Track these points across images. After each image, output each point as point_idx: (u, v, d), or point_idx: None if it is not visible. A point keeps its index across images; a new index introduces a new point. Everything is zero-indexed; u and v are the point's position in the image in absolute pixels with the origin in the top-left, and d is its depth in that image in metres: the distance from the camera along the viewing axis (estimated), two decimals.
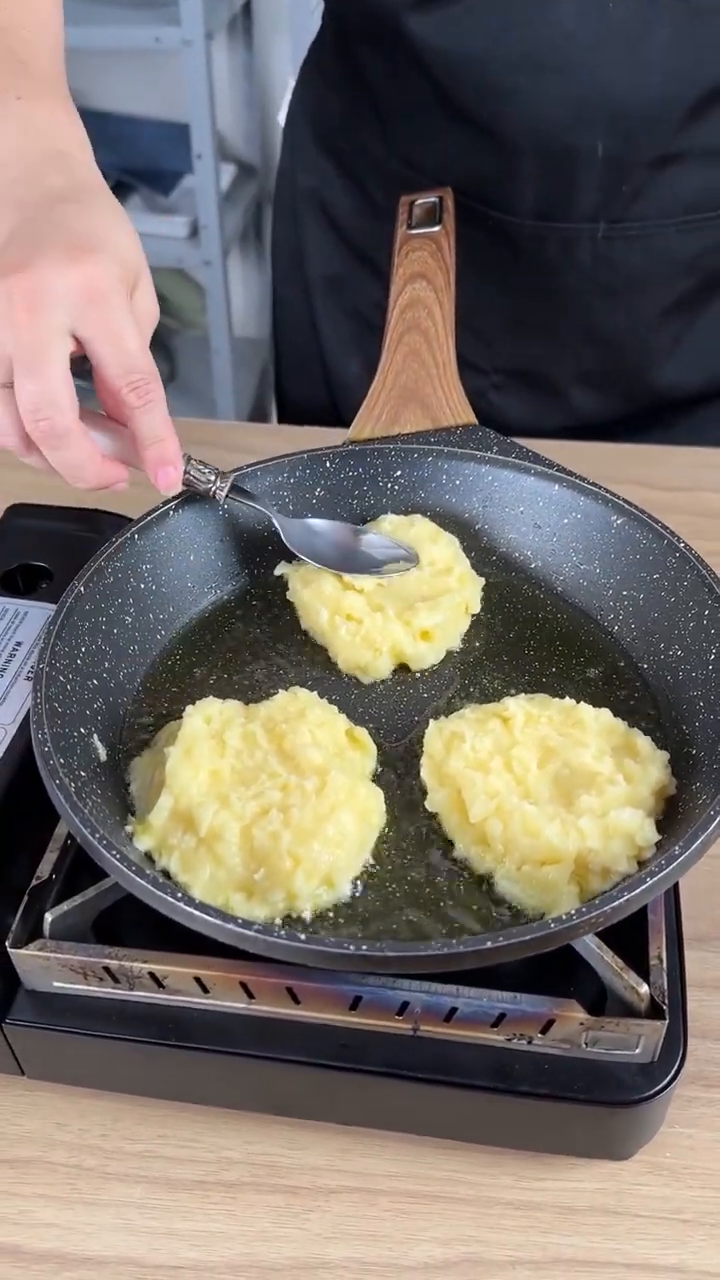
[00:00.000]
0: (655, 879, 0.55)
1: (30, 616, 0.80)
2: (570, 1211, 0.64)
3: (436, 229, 0.94)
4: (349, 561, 0.76)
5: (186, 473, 0.72)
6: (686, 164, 0.99)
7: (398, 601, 0.74)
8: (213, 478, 0.74)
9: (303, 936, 0.53)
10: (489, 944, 0.52)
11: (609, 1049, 0.60)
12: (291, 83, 1.27)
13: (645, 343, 1.12)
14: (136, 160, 2.43)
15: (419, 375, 0.85)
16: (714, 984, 0.74)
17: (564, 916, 0.53)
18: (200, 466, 0.74)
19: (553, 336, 1.13)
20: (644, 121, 0.96)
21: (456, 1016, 0.60)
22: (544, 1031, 0.60)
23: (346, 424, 1.28)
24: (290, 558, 0.79)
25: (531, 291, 1.09)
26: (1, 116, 0.71)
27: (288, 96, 1.27)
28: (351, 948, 0.53)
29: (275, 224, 1.31)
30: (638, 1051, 0.60)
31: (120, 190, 2.46)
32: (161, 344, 2.91)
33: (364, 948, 0.53)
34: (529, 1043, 0.61)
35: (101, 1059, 0.65)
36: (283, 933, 0.53)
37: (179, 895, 0.54)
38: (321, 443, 1.18)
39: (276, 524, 0.76)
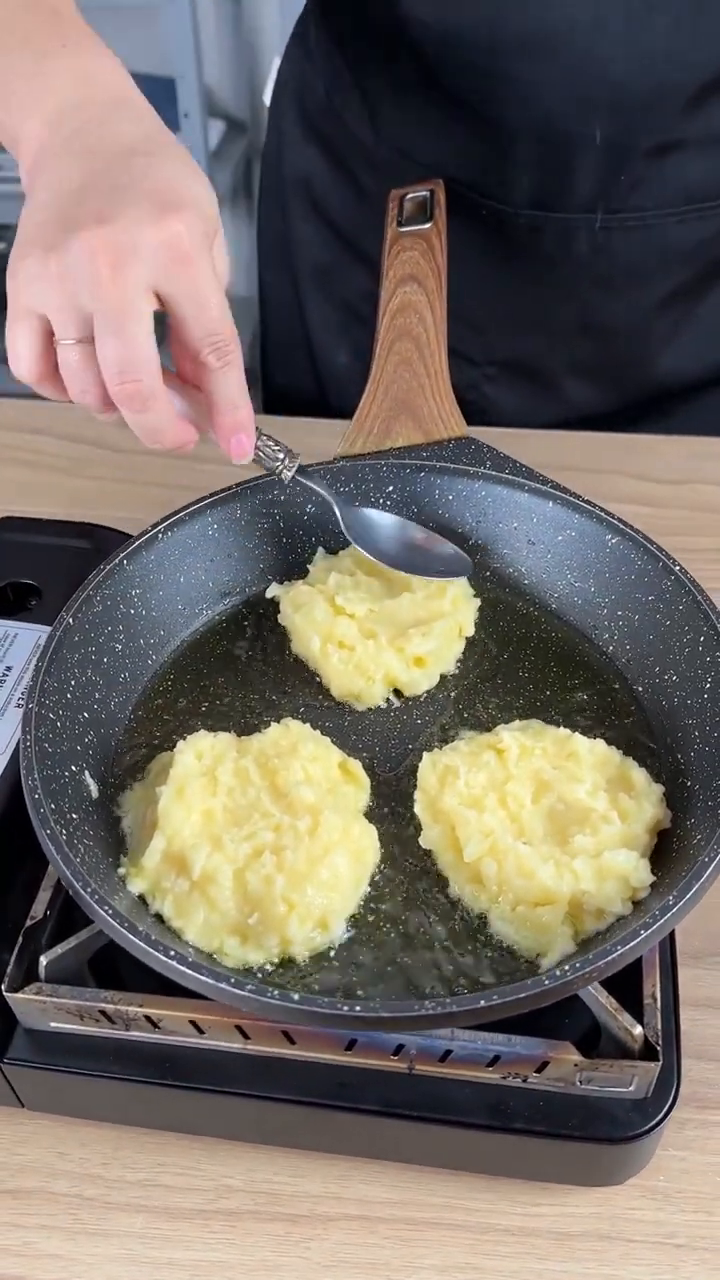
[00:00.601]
0: (650, 930, 0.55)
1: (20, 639, 0.79)
2: (565, 1237, 0.65)
3: (428, 226, 0.91)
4: (405, 559, 0.75)
5: (256, 447, 0.70)
6: (688, 152, 0.96)
7: (390, 627, 0.73)
8: (281, 456, 0.72)
9: (296, 997, 0.53)
10: (481, 1003, 0.52)
11: (603, 1086, 0.60)
12: (282, 37, 1.23)
13: (643, 333, 1.10)
14: None
15: (411, 386, 0.83)
16: (707, 1003, 0.74)
17: (558, 973, 0.53)
18: (270, 443, 0.72)
19: (548, 328, 1.10)
20: (644, 108, 0.93)
21: (451, 1058, 0.60)
22: (538, 1071, 0.60)
23: (334, 413, 1.27)
24: (282, 579, 0.78)
25: (526, 282, 1.07)
26: (54, 65, 0.67)
27: (279, 57, 1.23)
28: (345, 1009, 0.53)
29: (261, 209, 1.28)
30: (631, 1089, 0.60)
31: None
32: None
33: (358, 1009, 0.53)
34: (524, 1081, 0.61)
35: (100, 1095, 0.66)
36: (275, 994, 0.53)
37: (172, 953, 0.54)
38: (312, 433, 1.17)
39: (337, 512, 0.75)
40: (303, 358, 1.27)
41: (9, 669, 0.77)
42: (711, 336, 1.12)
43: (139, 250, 0.59)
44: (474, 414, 1.18)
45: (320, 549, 0.81)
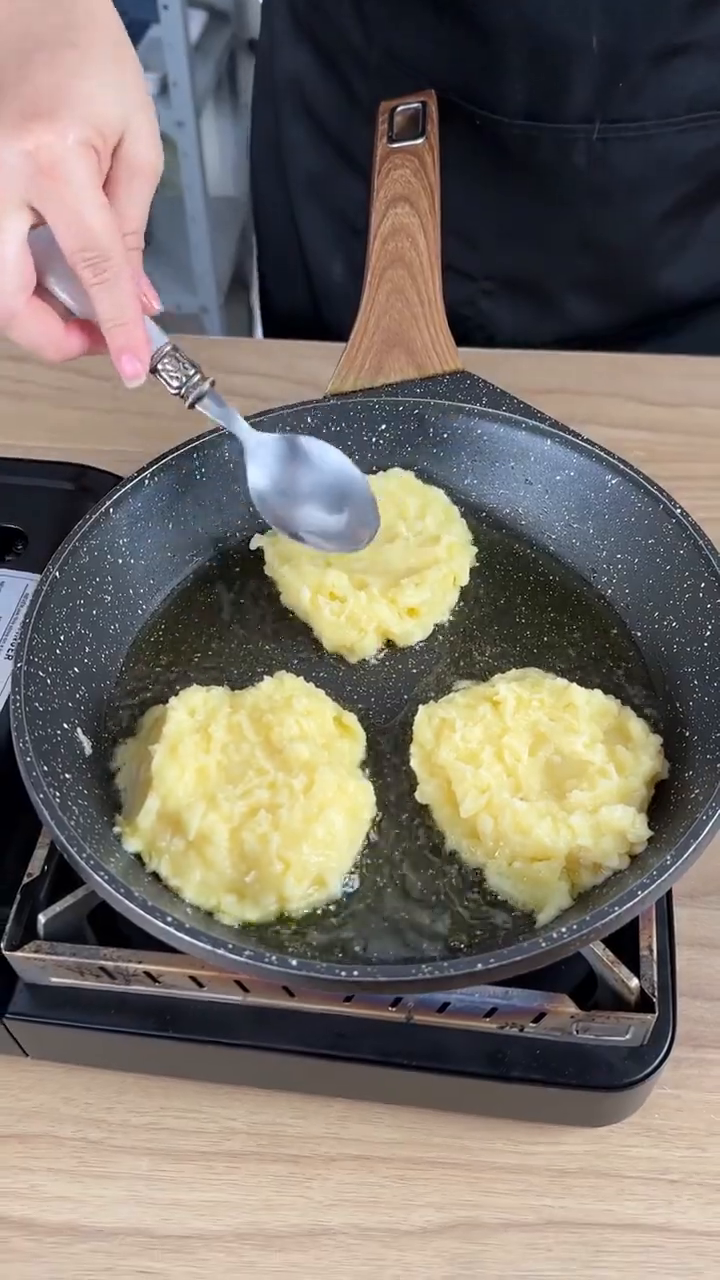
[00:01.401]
0: (647, 891, 0.55)
1: (7, 587, 0.78)
2: (561, 1174, 0.67)
3: (419, 142, 0.87)
4: (297, 521, 0.71)
5: (157, 370, 0.65)
6: (691, 58, 0.91)
7: (382, 576, 0.72)
8: (186, 378, 0.66)
9: (294, 962, 0.53)
10: (479, 966, 0.52)
11: (599, 1035, 0.61)
12: None
13: (644, 248, 1.06)
14: None
15: (404, 316, 0.80)
16: (703, 942, 0.75)
17: (555, 935, 0.53)
18: (177, 361, 0.66)
19: (546, 243, 1.06)
20: (644, 11, 0.88)
21: (449, 1009, 0.61)
22: (535, 1021, 0.61)
23: (331, 330, 1.24)
24: (255, 523, 0.76)
25: (522, 196, 1.03)
26: None
27: None
28: (343, 973, 0.53)
29: (255, 109, 1.22)
30: (628, 1038, 0.61)
31: None
32: None
33: (355, 973, 0.53)
34: (521, 1030, 0.62)
35: (101, 1046, 0.66)
36: (274, 959, 0.53)
37: (170, 920, 0.54)
38: (294, 356, 1.14)
39: (246, 453, 0.70)
40: (298, 272, 1.23)
41: None
42: (714, 252, 1.08)
43: (3, 161, 0.57)
44: (472, 330, 1.15)
45: None
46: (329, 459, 0.71)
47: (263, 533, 0.76)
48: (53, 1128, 0.69)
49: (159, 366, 0.65)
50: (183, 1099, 0.70)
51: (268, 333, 1.34)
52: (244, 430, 0.70)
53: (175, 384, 0.66)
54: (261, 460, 0.71)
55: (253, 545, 0.75)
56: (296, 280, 1.24)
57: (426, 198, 0.84)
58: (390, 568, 0.72)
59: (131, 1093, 0.70)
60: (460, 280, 1.10)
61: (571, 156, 0.98)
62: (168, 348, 0.65)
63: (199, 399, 0.67)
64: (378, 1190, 0.67)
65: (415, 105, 0.90)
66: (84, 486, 0.84)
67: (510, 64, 0.93)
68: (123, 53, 0.62)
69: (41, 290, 0.63)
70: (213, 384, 0.68)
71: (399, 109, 0.90)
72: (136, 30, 2.26)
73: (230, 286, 2.74)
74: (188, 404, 0.68)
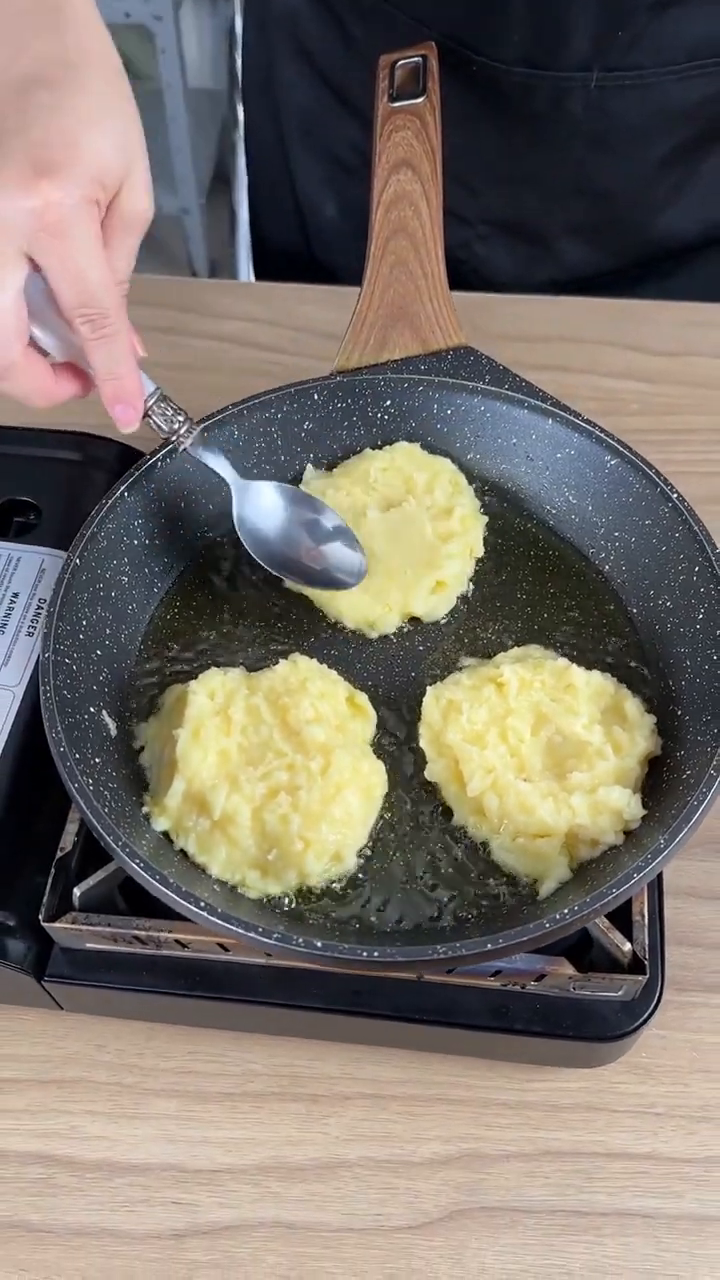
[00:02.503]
0: (643, 873, 0.59)
1: (24, 562, 0.80)
2: (557, 1109, 0.73)
3: (420, 101, 0.86)
4: (290, 566, 0.73)
5: (148, 414, 0.68)
6: (691, 5, 0.90)
7: (401, 553, 0.74)
8: (176, 425, 0.69)
9: (319, 944, 0.58)
10: (489, 946, 0.57)
11: (594, 992, 0.66)
12: None
13: (641, 194, 1.06)
14: None
15: (407, 289, 0.81)
16: (688, 891, 0.80)
17: (559, 915, 0.58)
18: (166, 409, 0.69)
19: (542, 188, 1.06)
20: None
21: (457, 970, 0.66)
22: (537, 980, 0.66)
23: (323, 270, 1.23)
24: None
25: (519, 142, 1.02)
26: None
27: None
28: (364, 954, 0.58)
29: (246, 41, 1.19)
30: (620, 994, 0.66)
31: None
32: None
33: (375, 954, 0.58)
34: (523, 988, 0.67)
35: (132, 1002, 0.71)
36: (300, 940, 0.58)
37: (202, 904, 0.59)
38: (292, 300, 1.14)
39: (233, 497, 0.72)
40: (289, 209, 1.22)
41: (16, 595, 0.78)
42: (713, 196, 1.08)
43: (6, 218, 0.56)
44: (466, 274, 1.15)
45: (309, 465, 0.81)
46: (306, 499, 0.74)
47: None
48: (88, 1073, 0.75)
49: (150, 412, 0.68)
50: (207, 1045, 0.75)
51: (259, 269, 1.33)
52: (230, 474, 0.72)
53: (165, 429, 0.69)
54: (250, 501, 0.73)
55: None
56: (288, 218, 1.23)
57: (429, 162, 0.84)
58: (407, 544, 0.75)
59: (159, 1040, 0.76)
60: (456, 224, 1.10)
61: (568, 104, 0.97)
62: (157, 394, 0.68)
63: (187, 444, 0.70)
64: (389, 1125, 0.73)
65: (416, 59, 0.88)
66: (89, 456, 0.85)
67: (510, 11, 0.92)
68: (123, 89, 0.61)
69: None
70: (203, 428, 0.72)
71: (399, 63, 0.88)
72: None
73: (211, 185, 2.67)
74: (185, 447, 0.70)
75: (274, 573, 0.73)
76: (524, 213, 1.09)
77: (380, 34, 0.98)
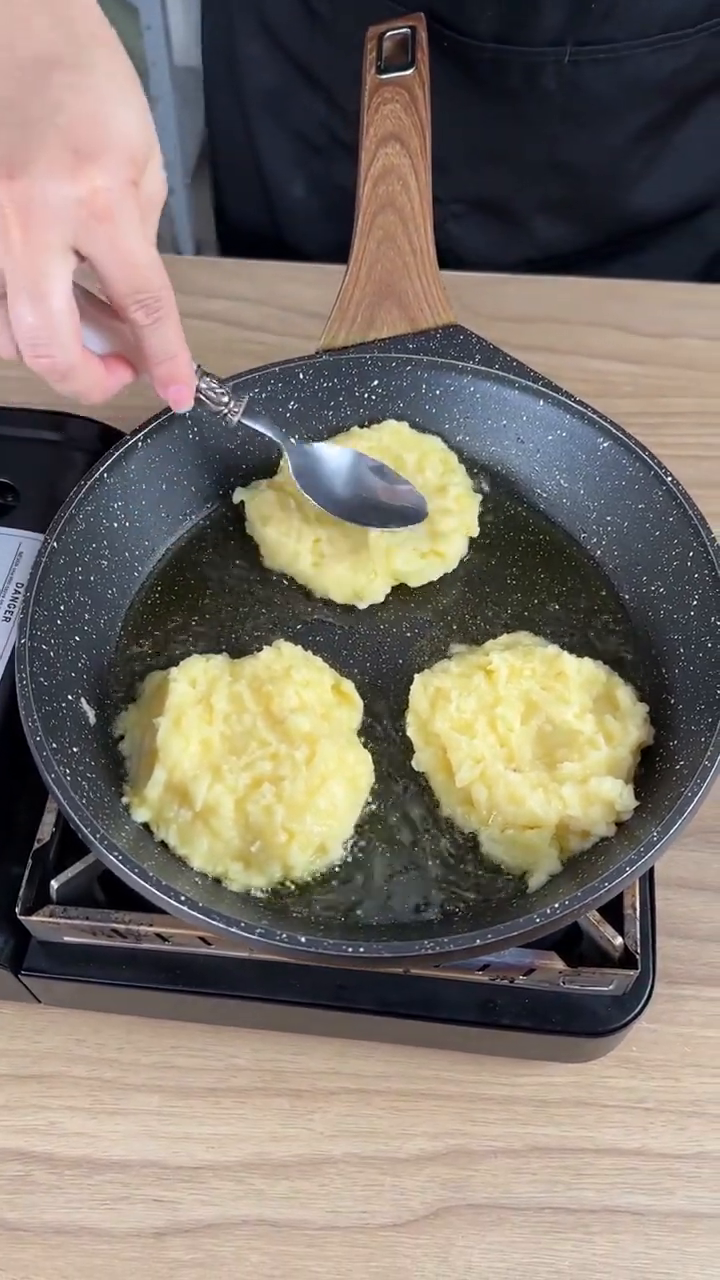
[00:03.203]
0: (635, 866, 0.58)
1: (0, 545, 0.78)
2: (545, 1104, 0.72)
3: (409, 73, 0.84)
4: (357, 509, 0.73)
5: (199, 392, 0.67)
6: None
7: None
8: (226, 399, 0.69)
9: (303, 939, 0.56)
10: (478, 941, 0.56)
11: (584, 986, 0.65)
12: None
13: (615, 169, 1.04)
14: None
15: (395, 265, 0.79)
16: (679, 882, 0.79)
17: (549, 910, 0.56)
18: (213, 385, 0.68)
19: (515, 164, 1.04)
20: None
21: (444, 965, 0.64)
22: (525, 975, 0.65)
23: (290, 250, 1.21)
24: (248, 481, 0.76)
25: (492, 118, 1.00)
26: None
27: None
28: (349, 950, 0.56)
29: (205, 23, 1.16)
30: (611, 988, 0.65)
31: None
32: None
33: (361, 949, 0.56)
34: (511, 982, 0.65)
35: (112, 996, 0.70)
36: (284, 936, 0.56)
37: (183, 898, 0.57)
38: (277, 278, 1.12)
39: (287, 458, 0.73)
40: (255, 188, 1.19)
41: None
42: (686, 170, 1.07)
43: (53, 208, 0.53)
44: (441, 253, 1.13)
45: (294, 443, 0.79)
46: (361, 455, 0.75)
47: (245, 485, 0.76)
48: (67, 1068, 0.73)
49: (199, 388, 0.67)
50: (189, 1039, 0.74)
51: (224, 248, 1.31)
52: (286, 441, 0.73)
53: (216, 407, 0.69)
54: (309, 456, 0.73)
55: (235, 498, 0.76)
56: (253, 197, 1.20)
57: (417, 136, 0.82)
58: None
59: (140, 1034, 0.74)
60: None
61: (542, 79, 0.95)
62: (199, 370, 0.67)
63: (245, 414, 0.70)
64: (374, 1121, 0.71)
65: (404, 30, 0.86)
66: (68, 436, 0.83)
67: None
68: (130, 66, 0.58)
69: None
70: (247, 397, 0.71)
71: (387, 34, 0.86)
72: None
73: (197, 165, 2.63)
74: (235, 421, 0.70)
75: (346, 521, 0.73)
76: (498, 190, 1.07)
77: (348, 10, 0.96)
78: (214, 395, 0.68)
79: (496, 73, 0.95)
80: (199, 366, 0.67)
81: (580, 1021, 0.66)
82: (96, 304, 0.62)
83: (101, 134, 0.54)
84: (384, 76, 0.84)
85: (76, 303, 0.58)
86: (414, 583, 0.74)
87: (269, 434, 0.72)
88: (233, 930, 0.56)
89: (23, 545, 0.78)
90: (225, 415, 0.69)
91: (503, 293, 1.09)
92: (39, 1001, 0.73)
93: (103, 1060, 0.73)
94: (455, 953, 0.56)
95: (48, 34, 0.56)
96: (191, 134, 2.56)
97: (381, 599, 0.74)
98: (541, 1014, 0.66)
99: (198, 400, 0.67)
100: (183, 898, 0.57)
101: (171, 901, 0.57)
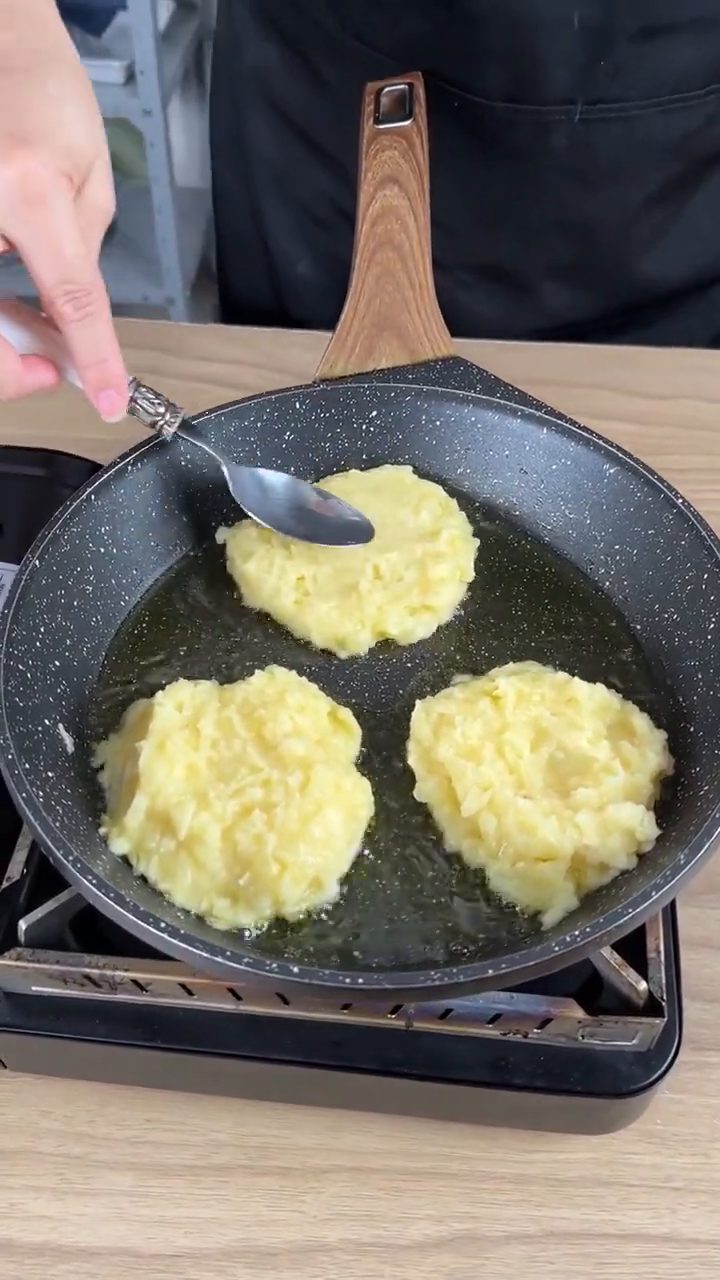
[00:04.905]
0: (661, 892, 0.53)
1: None
2: (562, 1184, 0.65)
3: (407, 123, 0.85)
4: (303, 526, 0.71)
5: (133, 400, 0.66)
6: (675, 36, 0.90)
7: (385, 573, 0.70)
8: (161, 410, 0.68)
9: (295, 969, 0.51)
10: (490, 972, 0.50)
11: (605, 1040, 0.59)
12: None
13: (624, 233, 1.04)
14: None
15: (394, 299, 0.78)
16: (701, 942, 0.73)
17: (568, 939, 0.51)
18: (149, 396, 0.67)
19: (524, 228, 1.05)
20: None
21: (451, 1016, 0.59)
22: (540, 1027, 0.59)
23: (294, 322, 1.21)
24: (237, 518, 0.74)
25: (502, 180, 1.01)
26: None
27: None
28: (348, 980, 0.51)
29: (213, 101, 1.19)
30: (634, 1042, 0.59)
31: None
32: None
33: (360, 981, 0.51)
34: (525, 1036, 0.59)
35: (85, 1057, 0.63)
36: (274, 965, 0.51)
37: (163, 925, 0.52)
38: (276, 344, 1.12)
39: (226, 474, 0.70)
40: (260, 263, 1.20)
41: None
42: (697, 238, 1.07)
43: None
44: (449, 324, 1.13)
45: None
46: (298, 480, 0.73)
47: (229, 525, 0.73)
48: (32, 1143, 0.66)
49: (134, 398, 0.66)
50: (167, 1111, 0.67)
51: (227, 324, 1.31)
52: (227, 462, 0.71)
53: (149, 415, 0.67)
54: (245, 475, 0.72)
55: (218, 539, 0.73)
56: (259, 273, 1.21)
57: (415, 179, 0.82)
58: (392, 567, 0.70)
59: (114, 1105, 0.67)
60: (436, 271, 1.08)
61: (552, 139, 0.96)
62: (134, 382, 0.66)
63: (183, 427, 0.69)
64: (373, 1203, 0.64)
65: (402, 87, 0.87)
66: (56, 473, 0.81)
67: (491, 43, 0.91)
68: (85, 80, 0.61)
69: None
70: (182, 411, 0.69)
71: (385, 90, 0.87)
72: (104, 16, 2.23)
73: (196, 278, 2.70)
74: (170, 433, 0.69)
75: (280, 533, 0.70)
76: (506, 254, 1.08)
77: (354, 76, 0.97)
78: (147, 407, 0.67)
79: (508, 132, 0.96)
80: (135, 379, 0.66)
81: (601, 1081, 0.59)
82: (29, 313, 0.62)
83: (39, 124, 0.56)
84: (381, 126, 0.84)
85: (3, 300, 0.58)
86: (403, 642, 0.70)
87: (207, 449, 0.70)
88: (218, 960, 0.51)
89: (4, 577, 0.74)
90: (160, 427, 0.68)
91: (504, 359, 1.07)
92: (4, 1066, 0.66)
93: (71, 1134, 0.66)
94: (464, 985, 0.50)
95: (4, 40, 0.59)
96: (191, 250, 2.63)
97: (364, 652, 0.70)
98: (558, 1073, 0.60)
99: (131, 409, 0.66)
100: (163, 924, 0.52)
101: (150, 929, 0.52)
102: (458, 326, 1.12)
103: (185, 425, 0.69)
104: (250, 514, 0.70)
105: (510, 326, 1.11)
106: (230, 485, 0.70)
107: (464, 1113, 0.65)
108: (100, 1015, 0.61)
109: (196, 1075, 0.64)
